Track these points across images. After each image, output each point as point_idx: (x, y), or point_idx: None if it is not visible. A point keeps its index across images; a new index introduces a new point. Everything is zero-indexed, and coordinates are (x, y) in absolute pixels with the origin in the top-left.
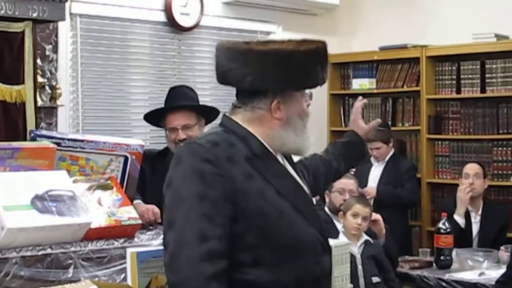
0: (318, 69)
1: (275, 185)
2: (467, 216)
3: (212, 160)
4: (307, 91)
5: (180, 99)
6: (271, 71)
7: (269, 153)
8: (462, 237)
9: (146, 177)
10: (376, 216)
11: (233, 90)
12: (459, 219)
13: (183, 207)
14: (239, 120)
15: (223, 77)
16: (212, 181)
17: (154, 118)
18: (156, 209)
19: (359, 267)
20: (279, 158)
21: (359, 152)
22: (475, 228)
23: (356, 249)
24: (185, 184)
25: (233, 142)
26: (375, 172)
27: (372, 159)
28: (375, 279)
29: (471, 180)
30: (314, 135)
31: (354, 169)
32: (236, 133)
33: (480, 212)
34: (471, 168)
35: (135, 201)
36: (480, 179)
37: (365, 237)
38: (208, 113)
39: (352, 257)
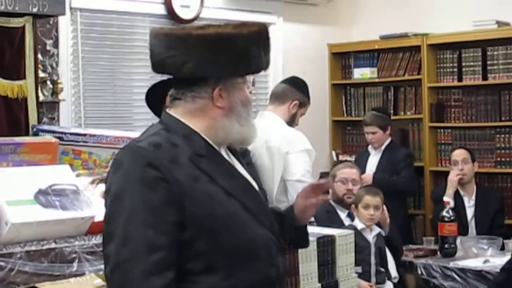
0: (261, 53)
1: (223, 185)
2: (460, 201)
3: (155, 164)
4: (249, 77)
5: None
6: (213, 57)
7: (215, 151)
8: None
9: None
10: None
11: None
12: (448, 199)
13: (124, 216)
14: (179, 115)
15: (160, 66)
16: (156, 186)
17: (154, 100)
18: None
19: (373, 255)
20: (224, 154)
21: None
22: (470, 213)
23: (371, 239)
24: (126, 191)
25: (176, 142)
26: (372, 161)
27: (369, 148)
28: (382, 269)
29: (460, 166)
30: (316, 125)
31: (348, 157)
32: (177, 131)
33: (473, 196)
34: (459, 154)
35: None
36: (468, 164)
37: (378, 229)
38: None
39: (368, 244)
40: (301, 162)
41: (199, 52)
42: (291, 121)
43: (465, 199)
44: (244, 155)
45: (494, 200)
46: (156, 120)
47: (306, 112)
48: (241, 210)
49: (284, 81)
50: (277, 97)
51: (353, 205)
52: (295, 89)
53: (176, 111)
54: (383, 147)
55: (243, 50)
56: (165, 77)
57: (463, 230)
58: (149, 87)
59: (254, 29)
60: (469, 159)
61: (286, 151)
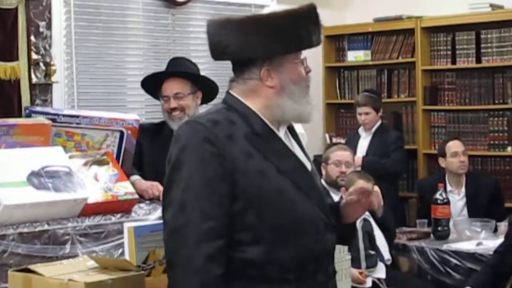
0: (301, 31)
1: (276, 163)
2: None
3: (211, 139)
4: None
5: (177, 68)
6: (250, 38)
7: (270, 131)
8: None
9: (143, 151)
10: (375, 188)
11: (229, 64)
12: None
13: (181, 186)
14: (237, 95)
15: (212, 52)
16: (211, 161)
17: (151, 87)
18: (160, 186)
19: (360, 240)
20: (281, 134)
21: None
22: (459, 207)
23: (358, 223)
24: (183, 163)
25: (234, 120)
26: (363, 143)
27: (360, 130)
28: (372, 252)
29: (461, 158)
30: None
31: (342, 140)
32: (237, 110)
33: (463, 189)
34: (458, 146)
35: (133, 177)
36: (466, 155)
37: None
38: (205, 85)
39: None
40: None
41: (236, 36)
42: None
43: (453, 194)
44: None
45: (487, 187)
46: (151, 101)
47: None
48: (291, 187)
49: None
50: None
51: (343, 188)
52: None
53: (235, 92)
54: (373, 130)
55: (280, 28)
56: (158, 62)
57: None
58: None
59: (293, 8)
60: (465, 150)
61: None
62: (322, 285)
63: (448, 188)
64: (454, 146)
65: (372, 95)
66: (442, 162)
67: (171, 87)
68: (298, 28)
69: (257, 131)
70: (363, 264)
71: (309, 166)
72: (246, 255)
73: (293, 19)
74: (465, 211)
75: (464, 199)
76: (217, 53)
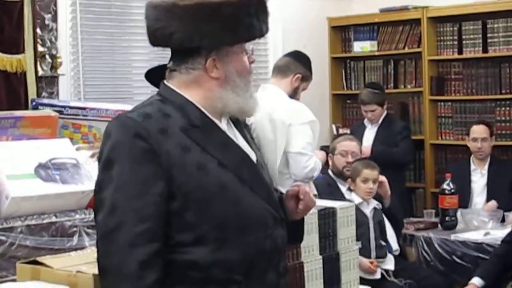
0: (253, 20)
1: (216, 156)
2: (468, 175)
3: (142, 134)
4: (248, 46)
5: None
6: (200, 26)
7: (210, 122)
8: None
9: None
10: (382, 178)
11: None
12: None
13: (111, 187)
14: (175, 86)
15: (153, 38)
16: (143, 157)
17: (155, 78)
18: None
19: (372, 229)
20: (223, 125)
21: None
22: (480, 185)
23: (368, 212)
24: (113, 161)
25: (169, 112)
26: (369, 134)
27: (365, 121)
28: (383, 243)
29: (479, 144)
30: (316, 99)
31: (348, 131)
32: (172, 102)
33: (486, 167)
34: (479, 132)
35: None
36: (487, 142)
37: (374, 202)
38: None
39: (366, 218)
40: (303, 135)
41: (184, 22)
42: (293, 95)
43: (476, 172)
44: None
45: (509, 171)
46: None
47: (307, 86)
48: (234, 181)
49: (287, 55)
50: (280, 70)
51: (349, 179)
52: (298, 63)
53: (173, 83)
54: (379, 121)
55: (230, 18)
56: (164, 53)
57: (464, 202)
58: (148, 69)
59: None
60: (488, 137)
61: (289, 123)
62: (273, 283)
63: (472, 167)
64: (475, 131)
65: (375, 91)
66: (466, 141)
67: None
68: (250, 17)
69: (195, 123)
70: (373, 254)
71: (254, 157)
72: (188, 256)
73: (245, 7)
74: (485, 191)
75: (486, 178)
76: (159, 39)
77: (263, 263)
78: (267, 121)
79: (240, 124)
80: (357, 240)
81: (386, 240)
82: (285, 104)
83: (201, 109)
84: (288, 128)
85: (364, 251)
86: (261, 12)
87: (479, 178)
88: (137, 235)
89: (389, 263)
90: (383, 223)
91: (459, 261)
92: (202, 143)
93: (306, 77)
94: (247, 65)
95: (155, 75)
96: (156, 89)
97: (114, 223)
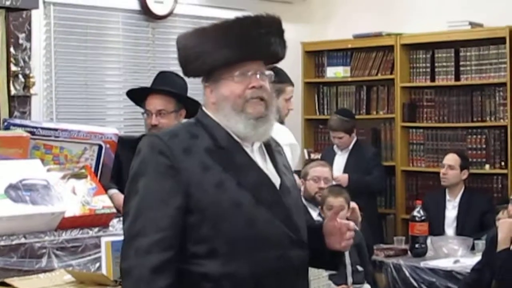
0: (224, 48)
1: (236, 176)
2: (442, 204)
3: (165, 152)
4: (250, 72)
5: (164, 83)
6: (183, 58)
7: (235, 144)
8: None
9: (123, 164)
10: (353, 204)
11: None
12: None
13: (137, 198)
14: (206, 109)
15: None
16: (165, 173)
17: (135, 98)
18: None
19: (346, 254)
20: (253, 147)
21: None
22: (451, 215)
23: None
24: (140, 176)
25: (197, 133)
26: (339, 161)
27: (335, 147)
28: (360, 268)
29: (444, 170)
30: (288, 123)
31: (319, 156)
32: (203, 124)
33: (457, 199)
34: (447, 159)
35: (111, 191)
36: (453, 170)
37: None
38: (188, 104)
39: None
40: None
41: (180, 58)
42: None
43: (449, 202)
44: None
45: (481, 202)
46: (130, 115)
47: (290, 95)
48: (251, 202)
49: None
50: None
51: (320, 206)
52: None
53: (204, 106)
54: (349, 147)
55: (205, 47)
56: (138, 75)
57: (437, 231)
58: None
59: (219, 23)
60: (457, 165)
61: (296, 144)
62: None
63: (447, 197)
64: (445, 157)
65: (344, 118)
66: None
67: (155, 102)
68: (225, 43)
69: (220, 145)
70: (349, 280)
71: (278, 181)
72: (201, 268)
73: (215, 36)
74: (455, 224)
75: (456, 210)
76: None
77: (273, 281)
78: None
79: (272, 149)
80: None
81: (365, 265)
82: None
83: (228, 131)
84: (295, 148)
85: (340, 277)
86: (234, 38)
87: (450, 210)
88: (154, 242)
89: None
90: (361, 247)
91: None
92: (223, 164)
93: (279, 92)
94: (237, 90)
95: (135, 94)
96: (131, 111)
97: (135, 230)
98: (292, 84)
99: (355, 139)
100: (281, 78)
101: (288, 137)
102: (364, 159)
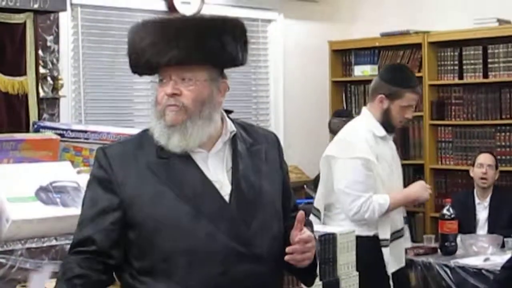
0: (148, 53)
1: (174, 188)
2: (472, 204)
3: (103, 166)
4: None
5: None
6: (130, 57)
7: (184, 154)
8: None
9: None
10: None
11: (234, 82)
12: None
13: (83, 207)
14: None
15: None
16: (102, 186)
17: None
18: None
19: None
20: (200, 155)
21: None
22: (483, 215)
23: None
24: (87, 186)
25: (145, 142)
26: None
27: None
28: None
29: (484, 169)
30: (316, 122)
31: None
32: (153, 133)
33: (488, 199)
34: (485, 159)
35: None
36: (492, 170)
37: None
38: None
39: None
40: (348, 171)
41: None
42: (386, 119)
43: (479, 204)
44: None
45: (510, 201)
46: None
47: (410, 103)
48: (190, 214)
49: (379, 73)
50: (370, 93)
51: None
52: (382, 81)
53: None
54: None
55: (136, 50)
56: None
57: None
58: None
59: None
60: (494, 165)
61: (332, 155)
62: None
63: (476, 200)
64: (481, 158)
65: (343, 119)
66: (471, 171)
67: None
68: (148, 49)
69: (163, 155)
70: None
71: (227, 190)
72: (140, 286)
73: (138, 39)
74: (486, 225)
75: (487, 211)
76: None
77: None
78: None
79: (245, 151)
80: None
81: None
82: (340, 134)
83: None
84: (332, 160)
85: None
86: (156, 41)
87: (481, 211)
88: (79, 239)
89: None
90: None
91: (458, 287)
92: (163, 175)
93: (393, 95)
94: (158, 95)
95: None
96: None
97: (75, 237)
98: (414, 91)
99: None
100: (400, 82)
101: (357, 149)
102: None
